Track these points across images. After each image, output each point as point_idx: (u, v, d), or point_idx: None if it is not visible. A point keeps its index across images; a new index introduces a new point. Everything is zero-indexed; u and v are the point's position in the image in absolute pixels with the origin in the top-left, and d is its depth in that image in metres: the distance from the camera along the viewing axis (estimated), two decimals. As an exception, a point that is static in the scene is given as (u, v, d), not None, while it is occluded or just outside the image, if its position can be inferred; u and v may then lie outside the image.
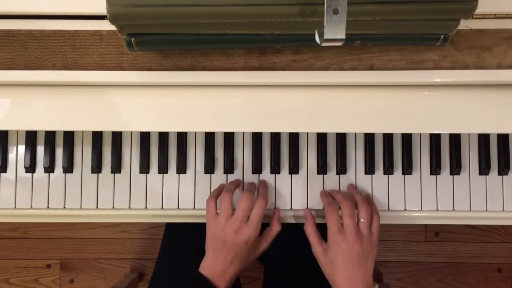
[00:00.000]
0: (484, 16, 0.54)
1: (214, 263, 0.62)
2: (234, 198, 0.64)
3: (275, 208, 0.69)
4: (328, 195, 0.67)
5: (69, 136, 0.69)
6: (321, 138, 0.69)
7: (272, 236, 0.66)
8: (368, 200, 0.67)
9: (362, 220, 0.62)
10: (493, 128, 0.58)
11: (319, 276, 0.64)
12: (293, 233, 0.73)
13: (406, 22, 0.47)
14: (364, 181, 0.70)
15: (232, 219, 0.61)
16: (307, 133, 0.70)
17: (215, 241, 0.62)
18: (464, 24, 0.53)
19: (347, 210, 0.62)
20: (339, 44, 0.42)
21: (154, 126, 0.58)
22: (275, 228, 0.66)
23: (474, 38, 0.54)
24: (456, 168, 0.69)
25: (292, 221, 0.70)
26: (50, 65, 0.55)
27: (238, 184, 0.68)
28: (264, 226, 0.66)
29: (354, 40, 0.49)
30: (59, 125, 0.58)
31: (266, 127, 0.58)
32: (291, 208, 0.70)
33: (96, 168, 0.69)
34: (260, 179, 0.70)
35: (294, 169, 0.69)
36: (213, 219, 0.63)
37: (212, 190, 0.69)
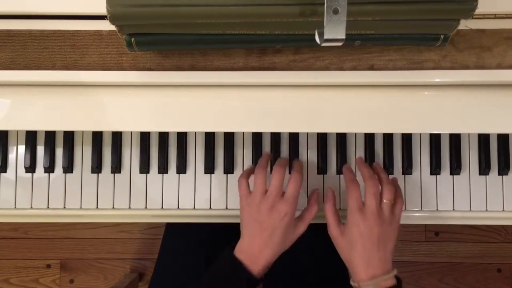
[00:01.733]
0: (484, 16, 0.54)
1: (250, 245, 0.59)
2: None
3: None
4: (351, 170, 0.65)
5: (69, 136, 0.69)
6: (321, 138, 0.69)
7: (311, 217, 0.63)
8: (394, 182, 0.64)
9: (385, 201, 0.59)
10: (493, 128, 0.58)
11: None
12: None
13: (406, 22, 0.47)
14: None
15: (266, 196, 0.59)
16: (307, 133, 0.70)
17: (250, 221, 0.60)
18: (464, 24, 0.53)
19: (371, 189, 0.59)
20: (339, 44, 0.42)
21: (154, 126, 0.58)
22: (314, 209, 0.63)
23: (474, 38, 0.54)
24: (456, 168, 0.69)
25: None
26: (50, 65, 0.55)
27: (269, 158, 0.65)
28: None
29: (354, 40, 0.49)
30: (59, 125, 0.58)
31: (266, 127, 0.58)
32: (291, 208, 0.69)
33: (96, 168, 0.69)
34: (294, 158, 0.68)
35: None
36: (246, 198, 0.61)
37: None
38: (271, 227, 0.58)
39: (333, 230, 0.61)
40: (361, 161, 0.67)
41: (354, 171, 0.68)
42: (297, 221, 0.62)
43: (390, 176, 0.69)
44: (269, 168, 0.67)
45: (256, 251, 0.59)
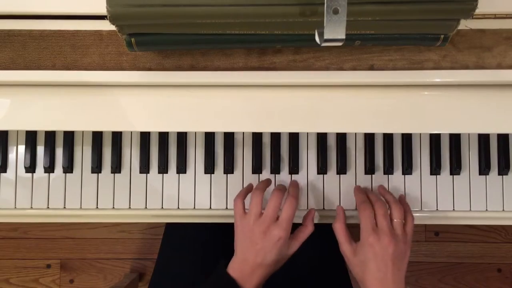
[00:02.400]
0: (484, 16, 0.54)
1: (243, 264, 0.60)
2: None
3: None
4: (363, 192, 0.65)
5: (69, 136, 0.69)
6: (321, 138, 0.69)
7: (304, 237, 0.63)
8: (401, 200, 0.65)
9: (395, 220, 0.60)
10: (493, 128, 0.58)
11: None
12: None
13: (406, 22, 0.47)
14: (364, 181, 0.70)
15: (261, 219, 0.59)
16: (307, 133, 0.70)
17: (244, 241, 0.60)
18: (464, 24, 0.53)
19: (380, 210, 0.60)
20: (339, 44, 0.42)
21: (154, 126, 0.58)
22: (308, 229, 0.63)
23: (474, 38, 0.54)
24: (456, 168, 0.69)
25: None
26: (50, 65, 0.55)
27: (268, 183, 0.66)
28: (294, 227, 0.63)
29: (354, 40, 0.49)
30: (59, 125, 0.58)
31: (266, 127, 0.58)
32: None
33: (96, 168, 0.69)
34: (291, 180, 0.69)
35: (294, 169, 0.69)
36: (241, 219, 0.61)
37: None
38: (264, 249, 0.59)
39: (346, 249, 0.61)
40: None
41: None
42: (291, 240, 0.62)
43: (391, 178, 0.70)
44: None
45: (248, 270, 0.59)
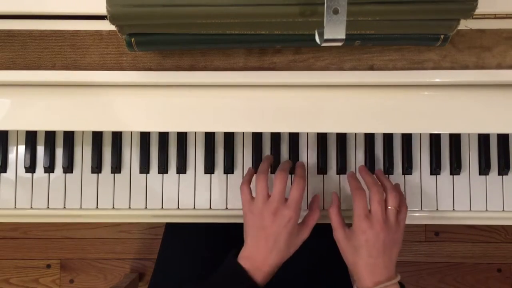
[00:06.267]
0: (484, 16, 0.54)
1: (254, 252, 0.59)
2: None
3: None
4: (356, 178, 0.65)
5: (69, 136, 0.69)
6: (321, 138, 0.69)
7: (313, 222, 0.62)
8: (397, 189, 0.65)
9: (390, 207, 0.59)
10: (493, 128, 0.58)
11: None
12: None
13: (406, 22, 0.47)
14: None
15: (269, 201, 0.59)
16: (307, 133, 0.70)
17: (253, 227, 0.59)
18: (464, 24, 0.53)
19: (376, 196, 0.59)
20: (339, 44, 0.42)
21: (154, 126, 0.58)
22: (316, 214, 0.63)
23: (474, 38, 0.54)
24: (456, 168, 0.69)
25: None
26: (50, 65, 0.55)
27: (270, 162, 0.65)
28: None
29: (354, 40, 0.49)
30: (59, 125, 0.58)
31: (266, 127, 0.58)
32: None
33: (96, 168, 0.69)
34: (297, 162, 0.68)
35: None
36: (249, 204, 0.60)
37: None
38: (275, 233, 0.58)
39: (339, 234, 0.61)
40: (363, 170, 0.67)
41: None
42: (300, 226, 0.62)
43: (391, 178, 0.69)
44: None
45: (260, 258, 0.58)
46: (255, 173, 0.63)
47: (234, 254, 0.60)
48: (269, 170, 0.64)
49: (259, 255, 0.58)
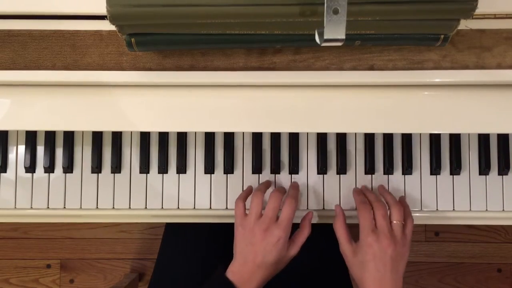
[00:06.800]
0: (484, 16, 0.54)
1: (242, 267, 0.60)
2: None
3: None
4: (361, 193, 0.65)
5: (69, 136, 0.69)
6: (321, 138, 0.69)
7: (302, 241, 0.63)
8: (402, 202, 0.65)
9: (395, 221, 0.60)
10: (493, 128, 0.58)
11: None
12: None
13: (406, 22, 0.47)
14: (364, 181, 0.70)
15: (261, 219, 0.60)
16: (307, 133, 0.70)
17: (243, 242, 0.61)
18: (464, 24, 0.53)
19: (381, 210, 0.60)
20: (339, 44, 0.42)
21: (154, 126, 0.58)
22: (306, 232, 0.64)
23: (474, 38, 0.54)
24: (456, 168, 0.69)
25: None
26: (50, 65, 0.55)
27: (268, 185, 0.67)
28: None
29: (354, 40, 0.49)
30: (59, 125, 0.58)
31: (266, 127, 0.58)
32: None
33: (96, 168, 0.69)
34: (292, 181, 0.69)
35: (294, 169, 0.69)
36: (241, 219, 0.62)
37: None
38: (264, 250, 0.59)
39: (346, 249, 0.61)
40: (364, 187, 0.68)
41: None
42: (289, 244, 0.62)
43: (391, 178, 0.69)
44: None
45: (247, 274, 0.59)
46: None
47: (223, 268, 0.61)
48: (266, 191, 0.64)
49: (247, 271, 0.59)
